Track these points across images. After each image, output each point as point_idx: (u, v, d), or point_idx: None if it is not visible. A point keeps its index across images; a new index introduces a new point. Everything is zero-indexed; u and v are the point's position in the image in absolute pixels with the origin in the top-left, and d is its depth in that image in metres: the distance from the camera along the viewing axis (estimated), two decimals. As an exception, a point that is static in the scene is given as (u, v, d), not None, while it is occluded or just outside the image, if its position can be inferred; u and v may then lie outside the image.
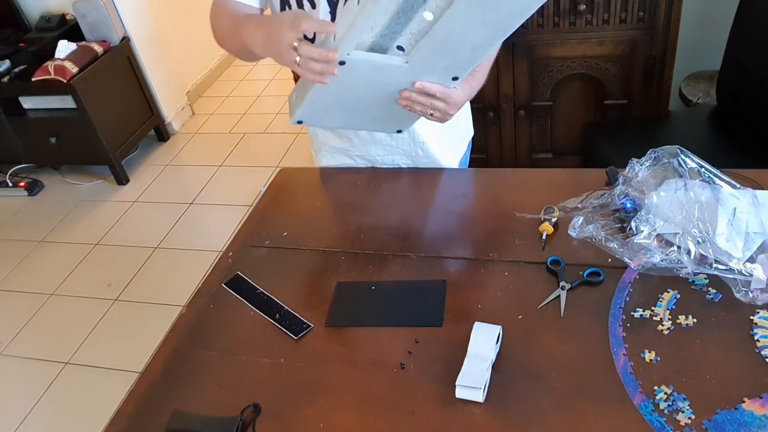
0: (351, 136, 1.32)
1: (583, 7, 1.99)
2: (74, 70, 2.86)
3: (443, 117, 1.06)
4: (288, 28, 0.93)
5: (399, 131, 1.23)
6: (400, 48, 0.95)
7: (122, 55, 3.15)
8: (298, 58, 0.92)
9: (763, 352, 0.84)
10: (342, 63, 0.91)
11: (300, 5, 1.10)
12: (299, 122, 1.12)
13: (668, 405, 0.80)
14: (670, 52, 2.03)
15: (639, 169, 1.09)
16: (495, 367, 0.88)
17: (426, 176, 1.31)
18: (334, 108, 1.08)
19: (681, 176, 1.05)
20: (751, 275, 0.93)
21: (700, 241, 0.96)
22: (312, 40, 1.11)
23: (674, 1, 1.93)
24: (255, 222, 1.27)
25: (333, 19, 1.09)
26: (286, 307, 1.05)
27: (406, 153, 1.32)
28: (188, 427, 0.89)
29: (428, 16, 0.89)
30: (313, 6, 1.09)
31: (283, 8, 1.13)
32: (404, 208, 1.24)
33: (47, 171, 3.44)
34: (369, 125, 1.23)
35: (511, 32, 0.92)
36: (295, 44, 0.92)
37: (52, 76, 2.84)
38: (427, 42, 0.91)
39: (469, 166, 1.46)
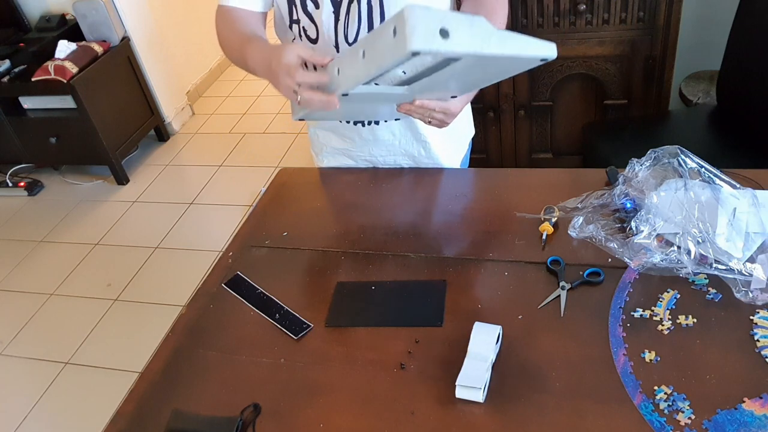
0: (353, 137, 1.32)
1: (583, 7, 1.99)
2: (74, 70, 2.86)
3: (441, 125, 1.08)
4: (285, 75, 0.93)
5: (398, 119, 1.26)
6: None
7: (122, 55, 3.15)
8: (299, 98, 0.94)
9: (763, 352, 0.84)
10: (345, 95, 0.92)
11: (304, 6, 1.11)
12: (301, 119, 1.13)
13: (668, 405, 0.80)
14: (670, 52, 2.03)
15: (639, 169, 1.09)
16: (495, 367, 0.88)
17: (426, 176, 1.31)
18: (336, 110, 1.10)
19: (681, 176, 1.05)
20: (751, 275, 0.93)
21: (700, 241, 0.96)
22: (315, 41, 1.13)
23: (674, 1, 1.93)
24: (255, 222, 1.27)
25: (336, 18, 1.10)
26: (286, 307, 1.05)
27: (408, 153, 1.32)
28: (188, 427, 0.89)
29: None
30: (317, 6, 1.10)
31: (290, 9, 1.13)
32: (404, 208, 1.24)
33: (47, 171, 3.44)
34: (369, 117, 1.26)
35: (513, 75, 0.97)
36: (295, 89, 0.93)
37: (52, 76, 2.83)
38: (427, 80, 0.93)
39: (469, 166, 1.46)
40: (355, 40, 1.12)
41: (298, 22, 1.14)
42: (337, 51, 1.14)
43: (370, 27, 1.10)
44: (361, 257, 1.12)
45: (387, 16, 1.09)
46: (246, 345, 1.00)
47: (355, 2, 1.08)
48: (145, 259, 2.67)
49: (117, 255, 2.74)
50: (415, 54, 0.74)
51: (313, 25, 1.13)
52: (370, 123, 1.28)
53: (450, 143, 1.36)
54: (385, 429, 0.84)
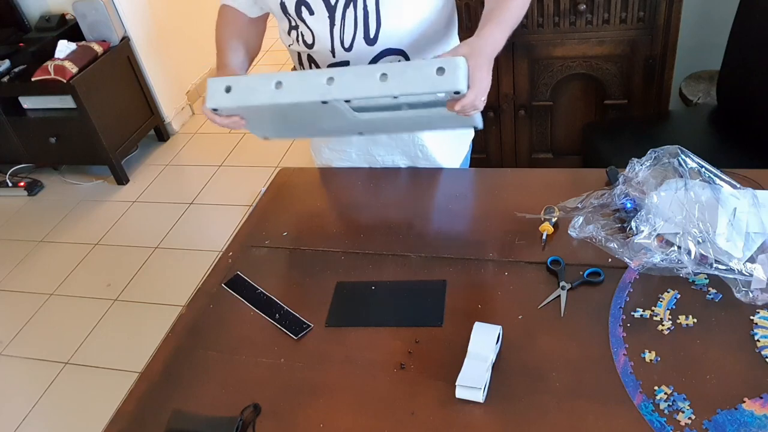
0: (351, 137, 1.32)
1: (583, 7, 1.99)
2: (74, 70, 2.86)
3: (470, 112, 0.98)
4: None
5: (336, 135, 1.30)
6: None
7: (122, 55, 3.15)
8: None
9: (763, 352, 0.84)
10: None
11: (298, 12, 1.11)
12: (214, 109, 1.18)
13: (668, 405, 0.80)
14: (670, 52, 2.03)
15: (639, 169, 1.09)
16: (495, 367, 0.88)
17: (426, 176, 1.31)
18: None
19: (681, 176, 1.05)
20: (751, 275, 0.93)
21: (701, 241, 0.96)
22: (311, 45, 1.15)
23: (674, 1, 1.93)
24: (255, 222, 1.27)
25: (332, 24, 1.10)
26: (286, 307, 1.05)
27: (406, 153, 1.32)
28: (188, 427, 0.89)
29: None
30: (311, 13, 1.10)
31: (286, 17, 1.14)
32: (404, 208, 1.24)
33: (47, 171, 3.44)
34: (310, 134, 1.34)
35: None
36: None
37: (52, 76, 2.83)
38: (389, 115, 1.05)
39: (470, 167, 1.46)
40: (351, 45, 1.11)
41: (296, 27, 1.15)
42: (333, 56, 1.14)
43: (366, 32, 1.10)
44: (361, 257, 1.12)
45: (383, 22, 1.09)
46: (246, 345, 1.00)
47: (351, 8, 1.08)
48: (144, 259, 2.67)
49: (117, 255, 2.74)
50: (457, 93, 0.92)
51: (309, 31, 1.13)
52: None
53: (448, 145, 1.35)
54: (385, 429, 0.84)
